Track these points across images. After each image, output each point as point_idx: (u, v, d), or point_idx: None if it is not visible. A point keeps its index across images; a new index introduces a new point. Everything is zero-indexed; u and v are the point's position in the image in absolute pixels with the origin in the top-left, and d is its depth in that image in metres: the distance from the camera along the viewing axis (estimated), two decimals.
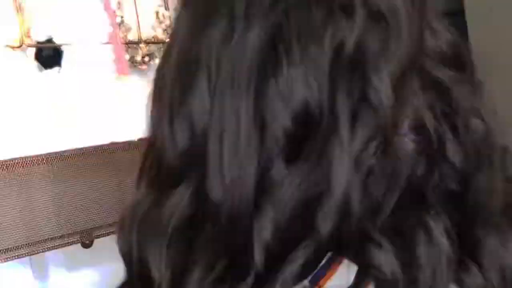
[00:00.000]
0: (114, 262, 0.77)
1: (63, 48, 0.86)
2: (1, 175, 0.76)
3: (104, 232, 0.85)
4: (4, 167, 0.76)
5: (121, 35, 0.91)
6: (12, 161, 0.76)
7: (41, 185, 0.79)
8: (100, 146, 0.84)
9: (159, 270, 0.28)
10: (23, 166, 0.77)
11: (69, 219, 0.82)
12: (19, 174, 0.77)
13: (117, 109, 0.90)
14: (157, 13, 0.98)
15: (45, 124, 0.82)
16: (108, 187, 0.84)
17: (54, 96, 0.83)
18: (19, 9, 0.79)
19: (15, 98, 0.79)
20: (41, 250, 0.79)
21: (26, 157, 0.77)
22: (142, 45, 0.95)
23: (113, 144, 0.86)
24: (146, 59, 0.96)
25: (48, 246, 0.80)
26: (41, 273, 0.90)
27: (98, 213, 0.84)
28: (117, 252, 0.76)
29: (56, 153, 0.79)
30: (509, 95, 1.49)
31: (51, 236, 0.81)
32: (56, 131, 0.82)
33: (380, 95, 0.25)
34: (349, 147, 0.25)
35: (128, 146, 0.87)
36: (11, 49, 0.81)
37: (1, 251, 0.75)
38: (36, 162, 0.78)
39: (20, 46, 0.80)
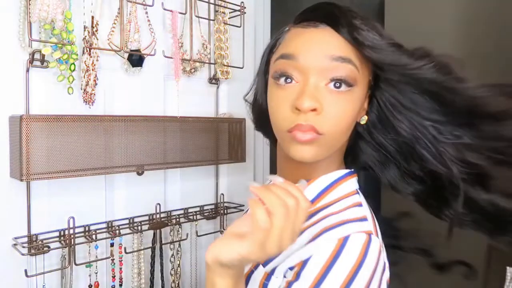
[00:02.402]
0: (154, 185, 1.13)
1: (145, 56, 1.04)
2: (94, 124, 0.92)
3: (150, 168, 1.03)
4: (97, 120, 0.92)
5: (180, 54, 1.11)
6: (103, 117, 0.94)
7: (118, 134, 0.96)
8: (156, 116, 1.04)
9: None
10: (109, 121, 0.95)
11: (131, 157, 0.99)
12: (106, 125, 0.94)
13: (169, 94, 1.16)
14: (203, 44, 1.20)
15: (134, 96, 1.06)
16: (155, 142, 1.03)
17: (137, 83, 1.08)
18: (123, 30, 0.99)
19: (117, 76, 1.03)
20: (112, 172, 0.97)
21: (112, 116, 0.96)
22: (191, 62, 1.15)
23: (163, 116, 1.07)
24: (192, 70, 1.19)
25: (117, 170, 0.97)
26: (111, 187, 1.06)
27: (148, 155, 1.02)
28: (157, 179, 1.10)
29: (129, 116, 0.98)
30: None
31: (119, 165, 0.97)
32: (143, 100, 1.06)
33: None
34: None
35: (172, 118, 1.07)
36: (115, 52, 1.01)
37: (88, 169, 0.91)
38: (116, 120, 0.96)
39: (120, 50, 1.00)
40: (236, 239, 0.48)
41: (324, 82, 0.54)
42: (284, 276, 0.53)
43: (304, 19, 0.58)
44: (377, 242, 0.52)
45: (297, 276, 0.50)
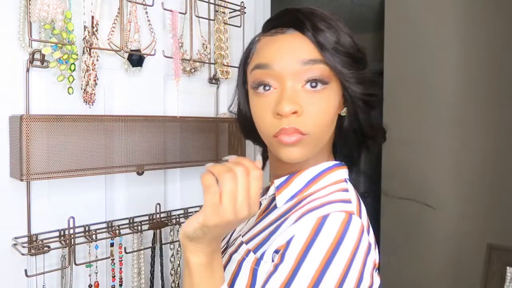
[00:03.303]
0: (154, 185, 1.12)
1: (145, 56, 1.04)
2: (94, 124, 0.91)
3: (150, 168, 1.03)
4: (97, 120, 0.92)
5: (180, 54, 1.11)
6: (103, 116, 0.93)
7: (118, 134, 0.96)
8: (156, 116, 1.04)
9: None
10: (109, 121, 0.94)
11: (131, 157, 0.98)
12: (106, 125, 0.94)
13: (169, 94, 1.16)
14: (203, 44, 1.20)
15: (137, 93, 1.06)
16: (155, 142, 1.03)
17: (137, 83, 1.08)
18: (123, 30, 0.99)
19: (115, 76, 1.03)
20: (112, 172, 0.96)
21: (112, 116, 0.95)
22: (191, 61, 1.15)
23: (162, 116, 1.06)
24: (192, 70, 1.20)
25: (117, 170, 0.96)
26: (111, 187, 1.06)
27: (148, 156, 1.02)
28: (157, 179, 1.09)
29: (129, 116, 0.98)
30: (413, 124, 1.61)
31: (119, 165, 0.97)
32: (143, 100, 1.07)
33: None
34: None
35: (172, 118, 1.07)
36: (115, 52, 1.01)
37: (88, 169, 0.91)
38: (116, 120, 0.95)
39: (120, 50, 1.00)
40: (197, 213, 0.52)
41: (301, 84, 0.57)
42: (272, 260, 0.55)
43: (272, 27, 0.61)
44: (358, 222, 0.53)
45: (282, 257, 0.52)
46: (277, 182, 0.64)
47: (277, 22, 0.61)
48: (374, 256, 0.55)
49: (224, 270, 0.60)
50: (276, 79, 0.57)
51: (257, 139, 0.67)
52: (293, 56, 0.56)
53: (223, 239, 0.74)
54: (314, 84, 0.57)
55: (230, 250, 0.64)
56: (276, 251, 0.54)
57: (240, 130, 0.74)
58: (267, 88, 0.58)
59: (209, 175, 0.50)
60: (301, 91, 0.57)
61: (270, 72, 0.57)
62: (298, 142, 0.56)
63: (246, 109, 0.67)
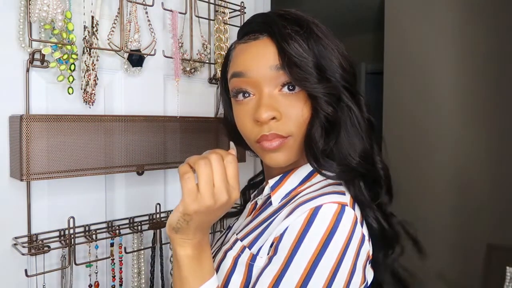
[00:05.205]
0: (154, 185, 1.11)
1: (145, 56, 1.04)
2: (94, 124, 0.91)
3: (150, 168, 1.03)
4: (97, 120, 0.92)
5: (180, 54, 1.11)
6: (103, 116, 0.93)
7: (118, 134, 0.96)
8: (156, 116, 1.03)
9: None
10: (109, 121, 0.94)
11: (131, 157, 0.98)
12: (106, 125, 0.94)
13: (169, 94, 1.15)
14: (203, 44, 1.20)
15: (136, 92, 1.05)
16: (155, 142, 1.02)
17: (137, 83, 1.07)
18: (123, 30, 0.99)
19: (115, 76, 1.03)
20: (112, 172, 0.96)
21: (112, 116, 0.95)
22: (191, 62, 1.15)
23: (163, 116, 1.06)
24: (192, 70, 1.20)
25: (117, 170, 0.96)
26: (111, 187, 1.05)
27: (148, 155, 1.01)
28: (157, 179, 1.10)
29: (129, 116, 0.97)
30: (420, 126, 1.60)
31: (119, 165, 0.96)
32: (143, 100, 1.06)
33: None
34: None
35: (171, 118, 1.07)
36: (115, 52, 1.01)
37: (88, 169, 0.90)
38: (116, 120, 0.95)
39: (120, 50, 0.99)
40: (178, 204, 0.52)
41: (277, 89, 0.57)
42: (268, 254, 0.55)
43: (245, 34, 0.62)
44: (351, 213, 0.53)
45: (275, 249, 0.52)
46: (272, 182, 0.64)
47: (249, 28, 0.61)
48: (368, 248, 0.55)
49: (219, 267, 0.60)
50: (253, 86, 0.58)
51: (245, 144, 0.67)
52: (266, 62, 0.56)
53: (219, 239, 0.74)
54: (291, 87, 0.57)
55: (225, 248, 0.64)
56: (271, 245, 0.54)
57: (228, 136, 0.74)
58: (246, 95, 0.59)
59: (185, 165, 0.51)
60: (279, 95, 0.57)
61: (246, 80, 0.58)
62: (280, 146, 0.57)
63: (231, 116, 0.67)
